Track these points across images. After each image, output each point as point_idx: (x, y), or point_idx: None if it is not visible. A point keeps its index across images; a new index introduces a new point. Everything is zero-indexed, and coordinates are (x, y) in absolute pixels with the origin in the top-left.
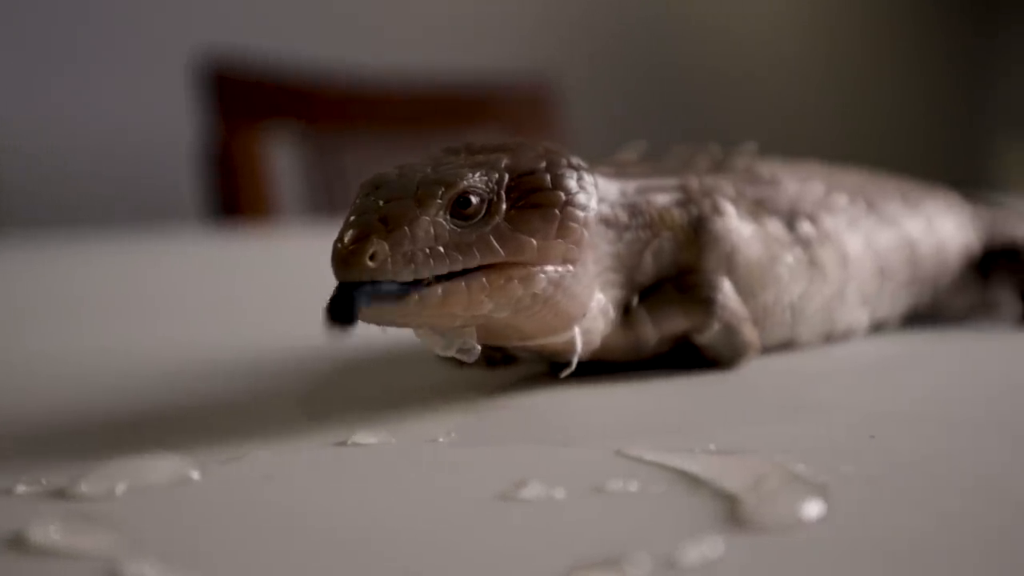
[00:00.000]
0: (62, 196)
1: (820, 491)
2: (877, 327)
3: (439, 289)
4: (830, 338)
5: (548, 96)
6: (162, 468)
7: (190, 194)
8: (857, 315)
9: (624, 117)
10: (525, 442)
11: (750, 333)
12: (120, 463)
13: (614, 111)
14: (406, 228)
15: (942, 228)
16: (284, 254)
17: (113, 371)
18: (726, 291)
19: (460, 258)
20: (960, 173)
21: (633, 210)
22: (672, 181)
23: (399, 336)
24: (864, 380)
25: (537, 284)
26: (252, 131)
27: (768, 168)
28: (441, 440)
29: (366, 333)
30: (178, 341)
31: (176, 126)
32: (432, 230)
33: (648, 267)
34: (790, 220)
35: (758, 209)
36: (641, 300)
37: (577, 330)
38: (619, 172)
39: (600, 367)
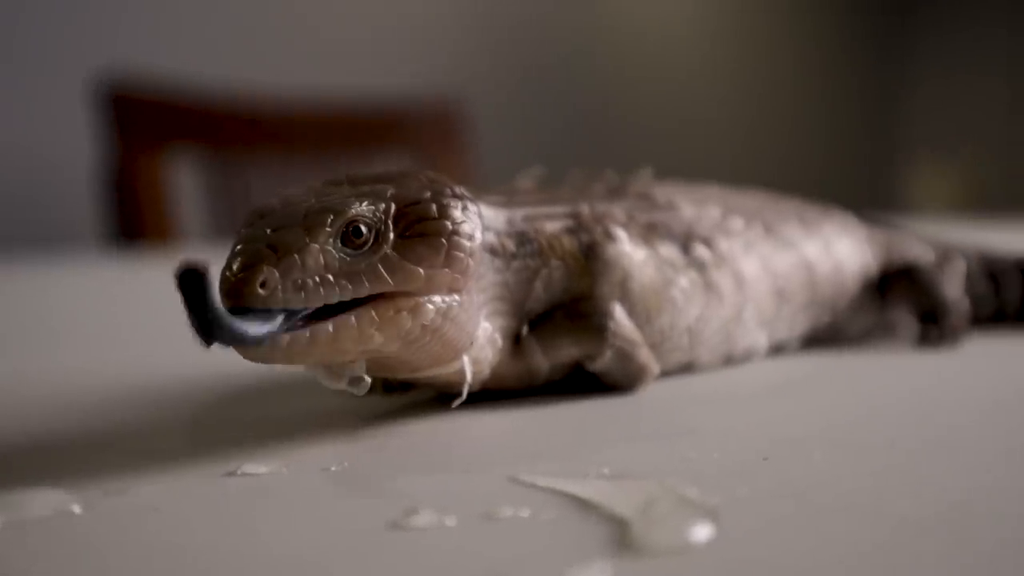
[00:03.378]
0: None
1: (710, 514)
2: (777, 349)
3: (329, 326)
4: (729, 360)
5: (456, 117)
6: (42, 502)
7: (91, 218)
8: (756, 337)
9: (532, 139)
10: (419, 470)
11: (646, 358)
12: None
13: (523, 133)
14: (296, 256)
15: (839, 250)
16: None
17: None
18: (618, 317)
19: (350, 287)
20: (868, 193)
21: (521, 239)
22: (563, 208)
23: (295, 366)
24: (761, 402)
25: (426, 315)
26: (154, 153)
27: (664, 192)
28: (333, 469)
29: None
30: (68, 370)
31: (76, 148)
32: (322, 258)
33: (539, 295)
34: (685, 244)
35: (650, 234)
36: (533, 328)
37: (466, 360)
38: (509, 200)
39: (497, 394)
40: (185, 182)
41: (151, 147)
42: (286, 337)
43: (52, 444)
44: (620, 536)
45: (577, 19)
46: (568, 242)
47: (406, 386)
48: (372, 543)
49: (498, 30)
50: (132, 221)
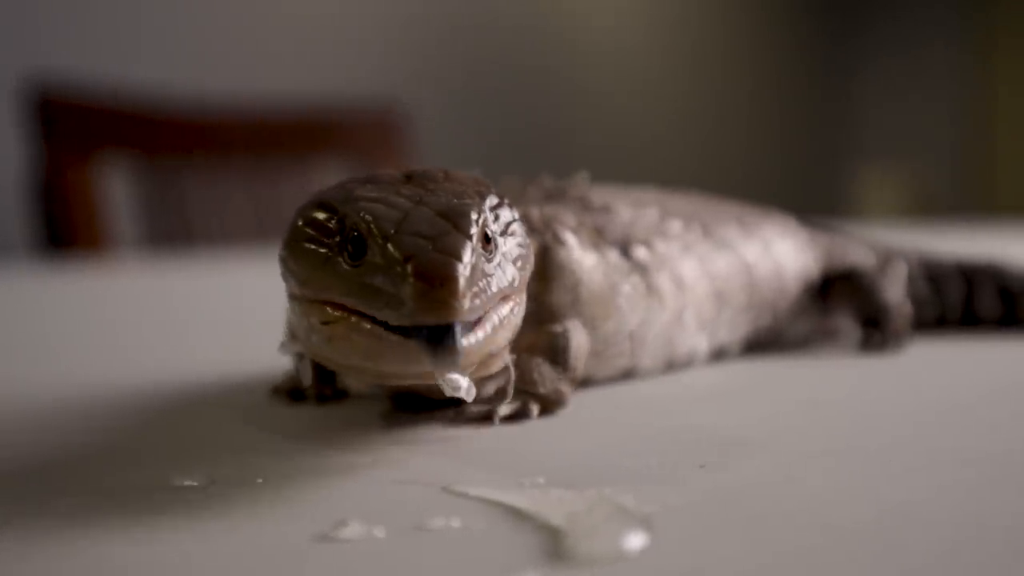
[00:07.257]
0: None
1: (644, 522)
2: (718, 353)
3: (486, 327)
4: (671, 365)
5: (395, 121)
6: None
7: (19, 226)
8: (696, 341)
9: (473, 142)
10: (348, 481)
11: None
12: None
13: (463, 136)
14: (471, 264)
15: (779, 252)
16: (118, 289)
17: None
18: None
19: (494, 292)
20: (817, 198)
21: None
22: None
23: (229, 377)
24: (701, 408)
25: (521, 314)
26: (84, 159)
27: (601, 196)
28: (260, 481)
29: (200, 377)
30: None
31: (3, 153)
32: (479, 265)
33: None
34: (625, 247)
35: (598, 238)
36: None
37: (509, 357)
38: None
39: (429, 403)
40: (117, 189)
41: (81, 153)
42: (471, 338)
43: None
44: (553, 546)
45: (518, 22)
46: None
47: (339, 395)
48: (300, 555)
49: (437, 33)
50: (62, 229)
